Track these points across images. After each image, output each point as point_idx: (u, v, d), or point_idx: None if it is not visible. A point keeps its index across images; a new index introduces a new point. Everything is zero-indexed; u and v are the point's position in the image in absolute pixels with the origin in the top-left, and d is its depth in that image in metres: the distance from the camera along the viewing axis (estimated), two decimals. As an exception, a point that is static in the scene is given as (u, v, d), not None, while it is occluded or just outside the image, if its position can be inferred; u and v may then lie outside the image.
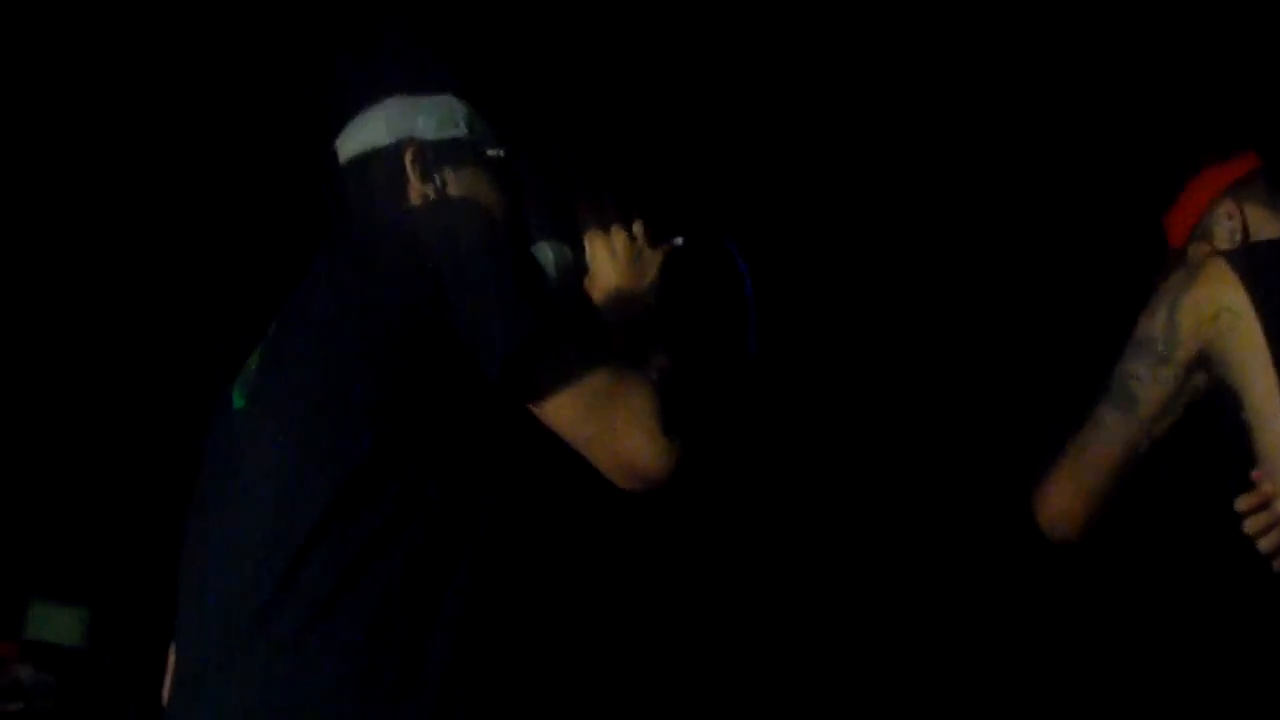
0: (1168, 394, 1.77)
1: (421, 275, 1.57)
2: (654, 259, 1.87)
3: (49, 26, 3.21)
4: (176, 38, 3.24)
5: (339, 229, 1.84)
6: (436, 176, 1.84)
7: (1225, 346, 1.70)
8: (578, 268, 1.86)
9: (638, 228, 1.87)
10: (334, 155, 1.92)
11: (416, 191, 1.83)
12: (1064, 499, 1.79)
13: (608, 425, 1.59)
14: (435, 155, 1.85)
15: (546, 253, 1.85)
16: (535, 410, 1.61)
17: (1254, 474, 1.69)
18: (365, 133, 1.89)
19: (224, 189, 3.46)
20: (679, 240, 1.91)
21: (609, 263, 1.84)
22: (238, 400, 1.73)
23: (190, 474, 3.70)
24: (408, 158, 1.84)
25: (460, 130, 1.88)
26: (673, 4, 3.22)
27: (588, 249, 1.86)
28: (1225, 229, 1.97)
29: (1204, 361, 1.76)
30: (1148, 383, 1.77)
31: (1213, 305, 1.72)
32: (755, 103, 3.35)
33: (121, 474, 3.80)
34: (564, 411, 1.59)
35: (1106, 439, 1.78)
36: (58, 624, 3.49)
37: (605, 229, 1.87)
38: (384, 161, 1.85)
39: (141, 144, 3.42)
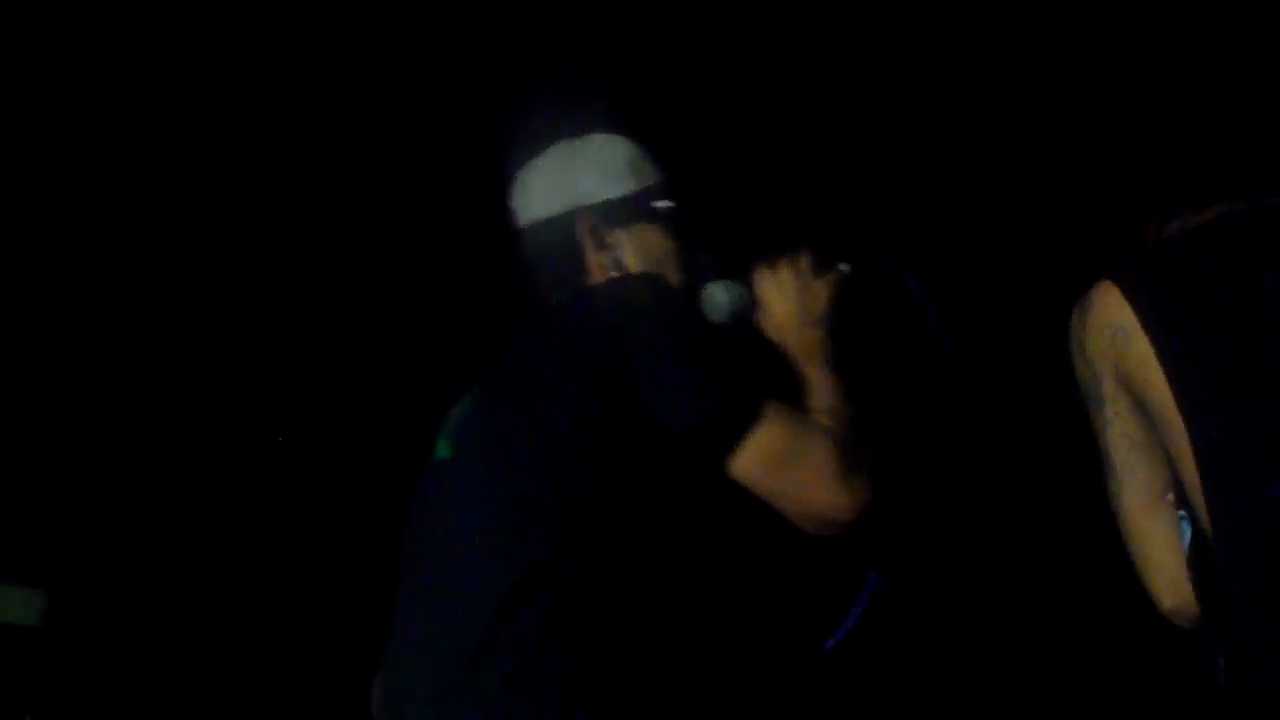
0: (1126, 429, 1.68)
1: (609, 351, 1.66)
2: (822, 289, 1.90)
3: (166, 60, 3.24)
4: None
5: (528, 295, 1.91)
6: (610, 242, 1.89)
7: (1128, 368, 1.63)
8: (751, 305, 1.89)
9: (804, 260, 1.91)
10: (510, 213, 1.97)
11: (595, 261, 1.89)
12: (1151, 586, 1.71)
13: (791, 480, 1.65)
14: (606, 220, 1.90)
15: (721, 293, 1.90)
16: (721, 467, 1.66)
17: (1168, 497, 1.68)
18: (534, 198, 1.94)
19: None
20: (844, 267, 1.93)
21: (779, 298, 1.88)
22: (443, 450, 1.81)
23: (146, 463, 3.76)
24: (582, 230, 1.89)
25: (626, 183, 1.92)
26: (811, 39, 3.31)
27: (757, 286, 1.90)
28: None
29: (1127, 387, 1.67)
30: (1105, 429, 1.70)
31: (1107, 329, 1.65)
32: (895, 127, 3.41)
33: (77, 457, 3.80)
34: (749, 469, 1.65)
35: (1124, 508, 1.72)
36: (13, 604, 3.48)
37: (772, 264, 1.91)
38: (558, 231, 1.90)
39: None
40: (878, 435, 1.76)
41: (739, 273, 1.93)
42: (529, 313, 1.88)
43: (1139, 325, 1.61)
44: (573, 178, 1.93)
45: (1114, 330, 1.64)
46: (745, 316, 1.91)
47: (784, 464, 1.65)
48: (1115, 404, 1.68)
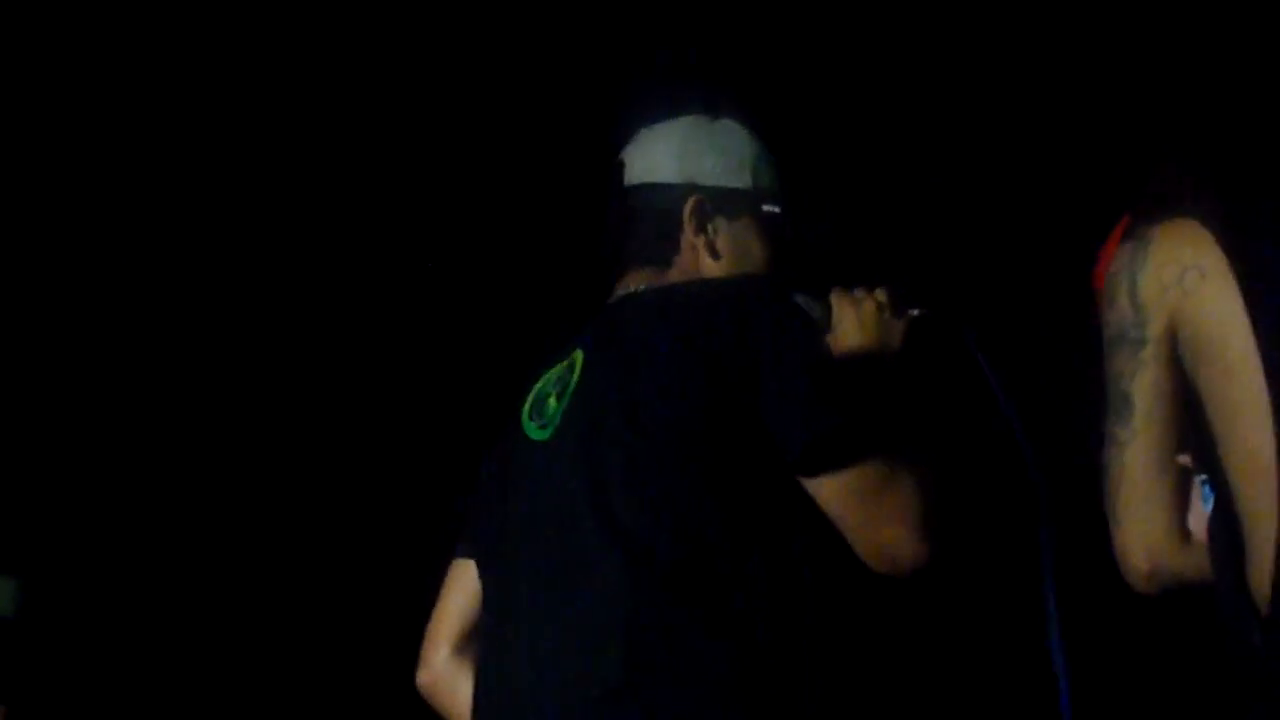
0: (1159, 377, 1.59)
1: (735, 351, 1.65)
2: (898, 327, 1.89)
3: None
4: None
5: (621, 261, 1.90)
6: (711, 227, 1.89)
7: (1193, 312, 1.54)
8: (823, 325, 1.88)
9: (881, 294, 1.90)
10: (620, 165, 1.96)
11: (689, 241, 1.89)
12: (1130, 541, 1.61)
13: (872, 517, 1.64)
14: (715, 205, 1.90)
15: (799, 304, 1.85)
16: (810, 488, 1.66)
17: (1181, 458, 1.60)
18: (654, 159, 1.93)
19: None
20: (917, 312, 1.93)
21: (854, 323, 1.87)
22: (535, 431, 1.78)
23: (121, 451, 3.72)
24: (688, 209, 1.89)
25: (744, 178, 1.93)
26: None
27: (835, 309, 1.89)
28: None
29: (1175, 335, 1.58)
30: (1134, 374, 1.60)
31: (1175, 266, 1.56)
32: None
33: (51, 446, 3.76)
34: (836, 499, 1.65)
35: (1130, 457, 1.61)
36: (-12, 593, 3.45)
37: (851, 290, 1.90)
38: (666, 200, 1.90)
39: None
40: (948, 486, 1.73)
41: (811, 292, 1.91)
42: (651, 294, 1.85)
43: (1225, 268, 1.53)
44: (698, 154, 1.92)
45: (1185, 269, 1.55)
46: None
47: (873, 499, 1.64)
48: (1157, 348, 1.58)
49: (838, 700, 1.69)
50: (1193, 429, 1.59)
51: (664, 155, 1.93)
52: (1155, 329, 1.58)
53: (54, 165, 3.41)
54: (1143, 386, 1.60)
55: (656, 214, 1.90)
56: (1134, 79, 3.15)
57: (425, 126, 3.49)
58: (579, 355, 1.80)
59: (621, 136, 2.00)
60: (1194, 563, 1.59)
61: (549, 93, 3.38)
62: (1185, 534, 1.60)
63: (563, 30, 3.29)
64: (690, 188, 1.90)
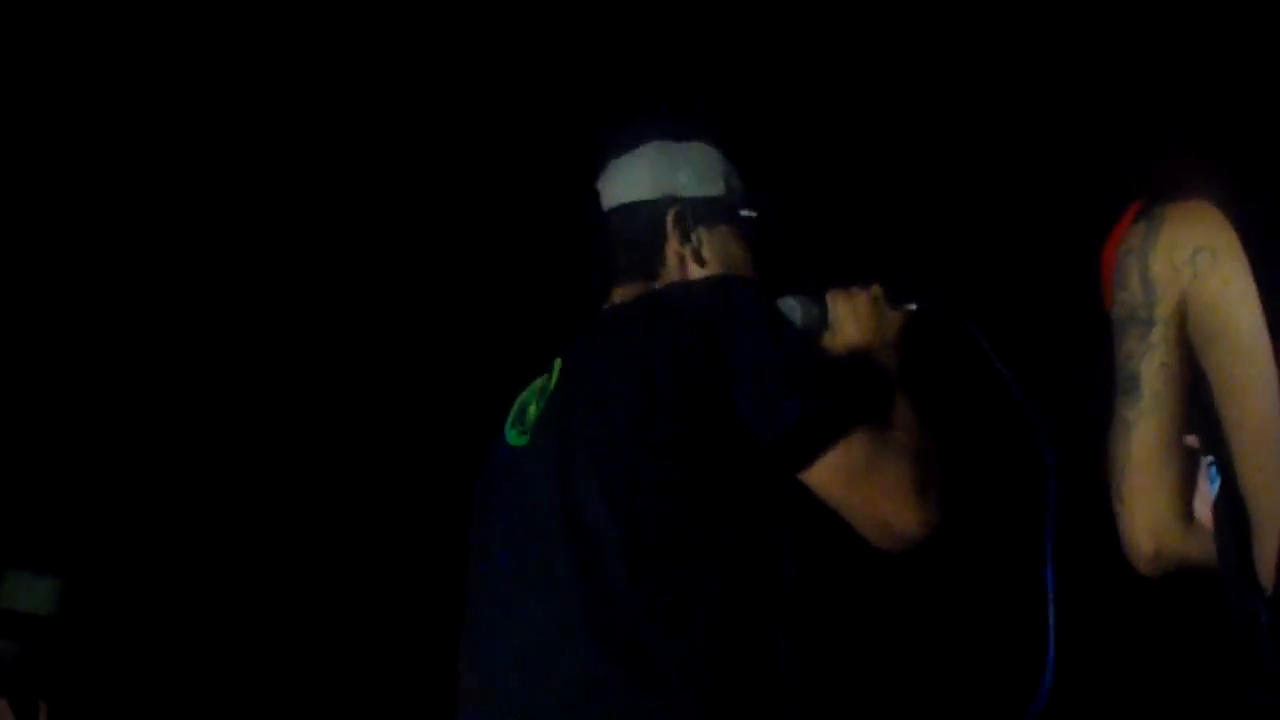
0: (1168, 358, 1.57)
1: (706, 348, 1.67)
2: (894, 320, 1.93)
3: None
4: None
5: (601, 279, 1.95)
6: (694, 236, 1.93)
7: (1204, 293, 1.53)
8: (821, 324, 1.93)
9: (876, 289, 1.94)
10: (595, 195, 2.00)
11: (674, 251, 1.92)
12: (1135, 523, 1.58)
13: (867, 494, 1.66)
14: (694, 215, 1.94)
15: (793, 307, 1.92)
16: (801, 478, 1.68)
17: (1189, 440, 1.58)
18: (629, 182, 1.98)
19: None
20: (913, 307, 1.96)
21: (851, 319, 1.90)
22: (515, 438, 1.82)
23: (154, 451, 3.77)
24: (669, 219, 1.93)
25: (718, 187, 1.97)
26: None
27: (830, 305, 1.93)
28: None
29: (1185, 316, 1.56)
30: (1143, 355, 1.58)
31: (1187, 247, 1.54)
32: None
33: (93, 447, 3.81)
34: (828, 483, 1.67)
35: (1137, 438, 1.58)
36: (31, 592, 3.49)
37: (846, 287, 1.94)
38: (647, 216, 1.94)
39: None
40: (947, 460, 1.75)
41: (807, 292, 1.95)
42: (627, 301, 1.89)
43: (1236, 250, 1.52)
44: (671, 170, 1.97)
45: (1196, 250, 1.54)
46: (814, 333, 1.93)
47: (864, 476, 1.67)
48: (1166, 329, 1.57)
49: (809, 699, 1.68)
50: (1201, 411, 1.58)
51: (638, 176, 1.98)
52: (1165, 310, 1.57)
53: (56, 165, 3.46)
54: (1151, 367, 1.58)
55: (639, 230, 1.94)
56: (1143, 66, 3.14)
57: (428, 140, 3.54)
58: (558, 364, 1.84)
59: (590, 171, 2.04)
60: (1199, 545, 1.58)
61: (550, 106, 3.40)
62: (1191, 516, 1.59)
63: (547, 47, 3.35)
64: (669, 200, 1.94)
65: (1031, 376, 1.89)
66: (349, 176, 3.58)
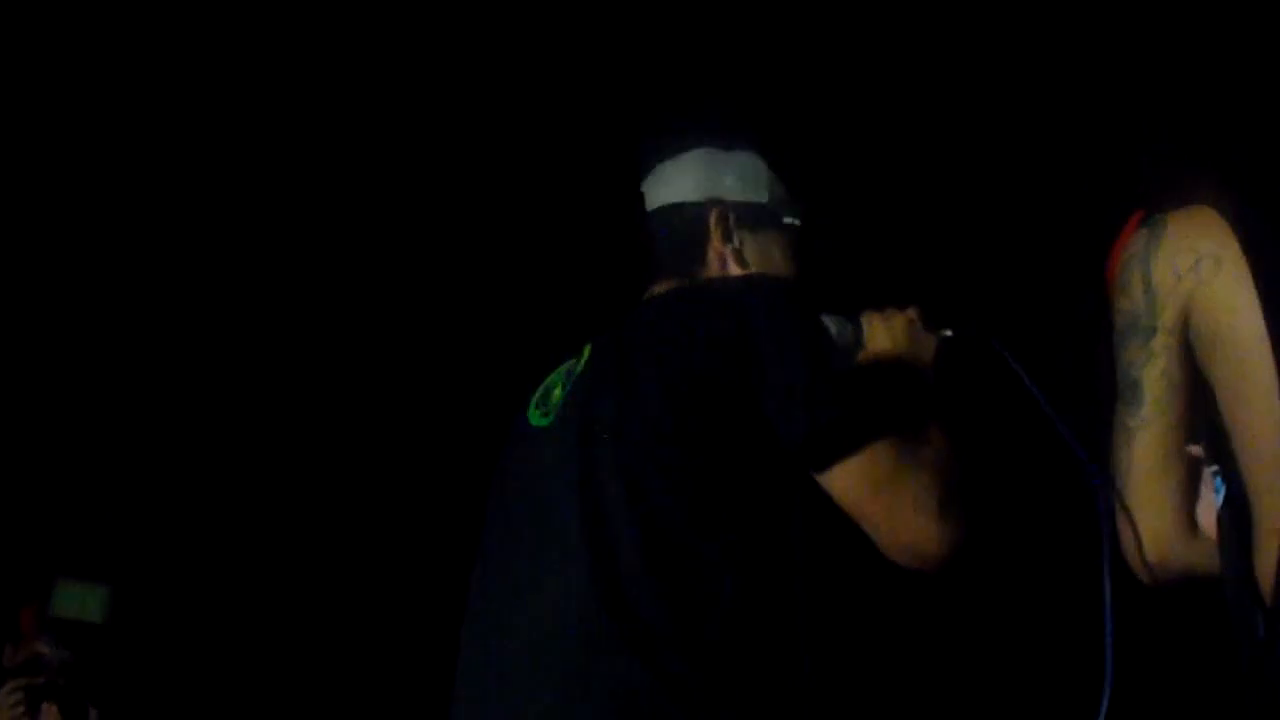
0: (1170, 366, 1.56)
1: (736, 341, 1.67)
2: (929, 343, 1.92)
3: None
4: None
5: (650, 276, 1.95)
6: (736, 237, 1.94)
7: (1206, 300, 1.52)
8: (856, 343, 1.91)
9: (913, 312, 1.93)
10: (641, 196, 2.03)
11: (716, 251, 1.93)
12: (1137, 532, 1.57)
13: (889, 506, 1.64)
14: (739, 218, 1.95)
15: (829, 325, 1.89)
16: (823, 483, 1.66)
17: (1193, 448, 1.58)
18: (675, 184, 2.00)
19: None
20: (948, 332, 1.95)
21: (887, 340, 1.89)
22: (538, 419, 1.82)
23: (200, 459, 3.82)
24: (713, 218, 1.94)
25: (763, 194, 1.98)
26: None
27: (865, 325, 1.91)
28: None
29: (1187, 324, 1.56)
30: (1145, 363, 1.57)
31: (1190, 254, 1.53)
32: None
33: (144, 457, 3.87)
34: (850, 491, 1.65)
35: (1139, 446, 1.58)
36: (81, 601, 3.54)
37: (883, 309, 1.93)
38: (691, 217, 1.95)
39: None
40: (974, 483, 1.73)
41: (843, 310, 1.94)
42: (664, 294, 1.91)
43: (1239, 257, 1.51)
44: (717, 174, 1.99)
45: (1199, 257, 1.53)
46: (849, 352, 1.91)
47: (886, 487, 1.64)
48: (1168, 337, 1.56)
49: (823, 698, 1.68)
50: (1204, 419, 1.57)
51: (684, 178, 1.99)
52: (1168, 317, 1.56)
53: (57, 165, 3.47)
54: (1154, 375, 1.58)
55: (683, 228, 1.95)
56: (1144, 68, 3.11)
57: (461, 135, 3.55)
58: (588, 349, 1.84)
59: (638, 169, 2.07)
60: (1202, 555, 1.57)
61: (583, 107, 3.42)
62: (1194, 526, 1.58)
63: (582, 48, 3.36)
64: (714, 201, 1.96)
65: (1060, 397, 1.88)
66: (378, 172, 3.59)
